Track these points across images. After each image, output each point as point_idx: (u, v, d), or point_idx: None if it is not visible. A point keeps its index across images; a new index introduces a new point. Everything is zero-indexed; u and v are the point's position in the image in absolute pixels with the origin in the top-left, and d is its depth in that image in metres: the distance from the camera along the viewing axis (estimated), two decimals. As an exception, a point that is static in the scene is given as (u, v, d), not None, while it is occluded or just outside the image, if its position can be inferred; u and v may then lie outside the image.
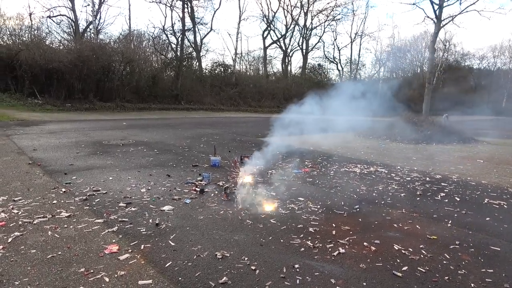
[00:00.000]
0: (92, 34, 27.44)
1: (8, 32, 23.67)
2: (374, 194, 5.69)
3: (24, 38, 23.66)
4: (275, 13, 47.46)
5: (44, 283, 2.74)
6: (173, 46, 30.94)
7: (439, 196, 5.68)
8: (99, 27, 28.27)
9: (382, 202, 5.24)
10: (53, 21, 27.32)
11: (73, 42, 24.70)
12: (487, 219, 4.67)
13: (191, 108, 26.25)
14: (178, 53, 29.58)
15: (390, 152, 10.40)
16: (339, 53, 63.77)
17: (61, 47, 24.01)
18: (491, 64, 47.62)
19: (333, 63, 44.62)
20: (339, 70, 44.87)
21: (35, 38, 23.64)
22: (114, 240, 3.53)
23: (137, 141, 10.33)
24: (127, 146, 9.41)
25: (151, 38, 29.77)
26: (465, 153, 10.72)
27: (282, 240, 3.69)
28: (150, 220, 4.10)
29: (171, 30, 30.90)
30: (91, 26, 27.83)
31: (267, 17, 39.33)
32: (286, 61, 40.71)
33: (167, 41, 30.99)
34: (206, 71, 33.42)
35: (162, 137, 11.48)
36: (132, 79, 24.99)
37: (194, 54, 32.86)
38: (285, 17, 51.48)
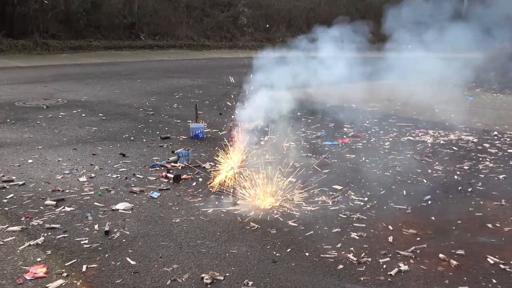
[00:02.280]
0: None
1: None
2: (455, 177, 5.67)
3: None
4: None
5: None
6: None
7: (562, 178, 5.65)
8: None
9: (469, 190, 5.21)
10: None
11: None
12: None
13: (156, 46, 25.97)
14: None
15: (482, 109, 10.28)
16: None
17: None
18: None
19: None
20: (399, -24, 43.84)
21: None
22: (39, 259, 3.55)
23: (71, 100, 10.30)
24: (55, 109, 9.38)
25: None
26: None
27: (307, 253, 3.70)
28: (96, 226, 4.11)
29: None
30: None
31: None
32: (311, -38, 39.78)
33: None
34: (179, -17, 32.84)
35: (111, 93, 11.43)
36: (58, 1, 24.64)
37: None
38: None
